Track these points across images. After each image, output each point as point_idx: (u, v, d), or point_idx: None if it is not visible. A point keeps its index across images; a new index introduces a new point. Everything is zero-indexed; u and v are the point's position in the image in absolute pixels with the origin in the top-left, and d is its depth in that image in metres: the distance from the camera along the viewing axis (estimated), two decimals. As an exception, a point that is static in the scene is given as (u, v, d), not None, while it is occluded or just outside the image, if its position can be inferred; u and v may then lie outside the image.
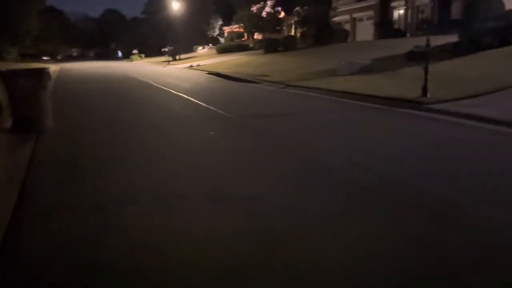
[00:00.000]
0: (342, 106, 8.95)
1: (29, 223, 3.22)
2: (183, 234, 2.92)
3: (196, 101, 10.09)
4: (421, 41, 16.27)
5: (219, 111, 8.34)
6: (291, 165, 4.60)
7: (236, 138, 6.16)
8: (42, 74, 6.64)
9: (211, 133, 6.43)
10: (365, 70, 13.46)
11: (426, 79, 8.23)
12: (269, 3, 42.26)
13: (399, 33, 28.29)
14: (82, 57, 72.55)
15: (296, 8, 34.78)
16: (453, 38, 15.79)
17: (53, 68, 28.24)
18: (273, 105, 9.72)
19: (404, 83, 10.40)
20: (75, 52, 79.24)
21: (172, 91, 12.62)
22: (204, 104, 9.43)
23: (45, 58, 53.24)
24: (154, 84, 15.41)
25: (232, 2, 46.65)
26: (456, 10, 25.32)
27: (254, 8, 43.34)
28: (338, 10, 34.16)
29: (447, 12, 26.31)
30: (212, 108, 8.84)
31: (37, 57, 46.73)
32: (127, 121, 7.82)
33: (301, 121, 7.40)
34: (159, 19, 52.00)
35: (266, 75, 16.32)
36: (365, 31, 33.18)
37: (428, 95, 8.14)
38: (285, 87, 13.12)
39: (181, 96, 11.29)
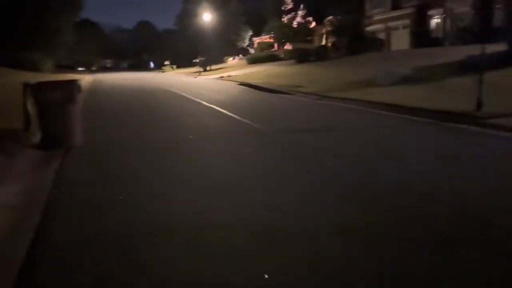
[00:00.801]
0: (387, 120, 8.32)
1: (46, 253, 2.83)
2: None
3: (229, 113, 9.67)
4: (459, 50, 15.51)
5: (254, 124, 7.89)
6: (334, 191, 4.06)
7: (269, 154, 5.66)
8: (71, 86, 6.34)
9: (248, 149, 5.95)
10: (407, 80, 12.72)
11: (480, 91, 7.52)
12: (300, 13, 42.02)
13: (437, 42, 27.25)
14: (115, 68, 74.28)
15: (329, 18, 34.30)
16: (499, 47, 14.78)
17: (87, 78, 28.68)
18: (308, 118, 9.19)
19: (452, 94, 9.68)
20: (108, 63, 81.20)
21: (204, 103, 12.30)
22: (237, 117, 9.00)
23: (80, 69, 54.66)
24: (186, 95, 15.16)
25: (263, 13, 46.66)
26: (498, 17, 24.10)
27: (285, 19, 43.18)
28: (373, 19, 33.40)
29: (489, 19, 25.10)
30: (245, 121, 8.40)
31: (72, 68, 47.97)
32: (158, 137, 7.44)
33: (341, 136, 6.81)
34: (191, 30, 52.50)
35: (299, 86, 15.83)
36: (400, 40, 32.18)
37: (483, 109, 7.42)
38: (320, 98, 12.57)
39: (214, 108, 10.92)
